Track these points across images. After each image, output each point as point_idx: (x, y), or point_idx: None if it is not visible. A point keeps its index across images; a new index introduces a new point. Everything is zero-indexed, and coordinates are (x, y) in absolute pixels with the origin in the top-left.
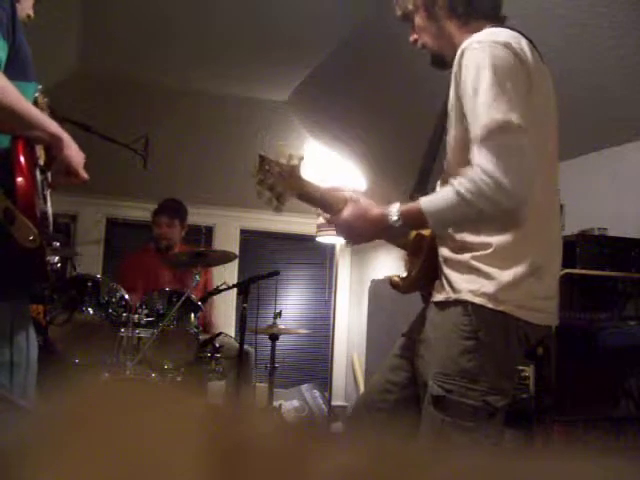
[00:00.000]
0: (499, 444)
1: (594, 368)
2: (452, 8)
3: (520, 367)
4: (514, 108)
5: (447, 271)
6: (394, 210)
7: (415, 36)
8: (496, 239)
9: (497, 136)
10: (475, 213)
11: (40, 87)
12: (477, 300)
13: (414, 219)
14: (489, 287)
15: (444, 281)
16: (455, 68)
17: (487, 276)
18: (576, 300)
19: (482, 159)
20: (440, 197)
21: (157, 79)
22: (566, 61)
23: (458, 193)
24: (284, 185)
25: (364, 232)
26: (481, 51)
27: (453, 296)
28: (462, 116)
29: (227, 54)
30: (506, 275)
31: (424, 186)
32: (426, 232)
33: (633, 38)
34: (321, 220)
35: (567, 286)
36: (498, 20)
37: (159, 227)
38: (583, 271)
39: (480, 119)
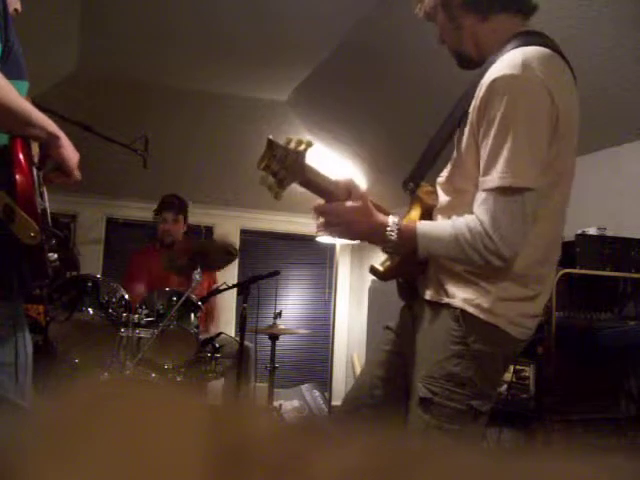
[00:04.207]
0: (481, 446)
1: (594, 368)
2: (468, 4)
3: (520, 367)
4: (533, 167)
5: (441, 275)
6: (393, 224)
7: (440, 35)
8: None
9: (507, 197)
10: (465, 260)
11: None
12: (470, 309)
13: (407, 238)
14: (485, 300)
15: (436, 282)
16: (482, 94)
17: (483, 290)
18: (576, 300)
19: (486, 217)
20: (438, 230)
21: (157, 79)
22: None
23: (456, 238)
24: (287, 171)
25: (358, 232)
26: (514, 88)
27: (445, 299)
28: (477, 144)
29: (226, 54)
30: (501, 290)
31: (420, 177)
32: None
33: (633, 38)
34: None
35: (567, 286)
36: (521, 11)
37: (165, 223)
38: (583, 271)
39: (495, 170)
